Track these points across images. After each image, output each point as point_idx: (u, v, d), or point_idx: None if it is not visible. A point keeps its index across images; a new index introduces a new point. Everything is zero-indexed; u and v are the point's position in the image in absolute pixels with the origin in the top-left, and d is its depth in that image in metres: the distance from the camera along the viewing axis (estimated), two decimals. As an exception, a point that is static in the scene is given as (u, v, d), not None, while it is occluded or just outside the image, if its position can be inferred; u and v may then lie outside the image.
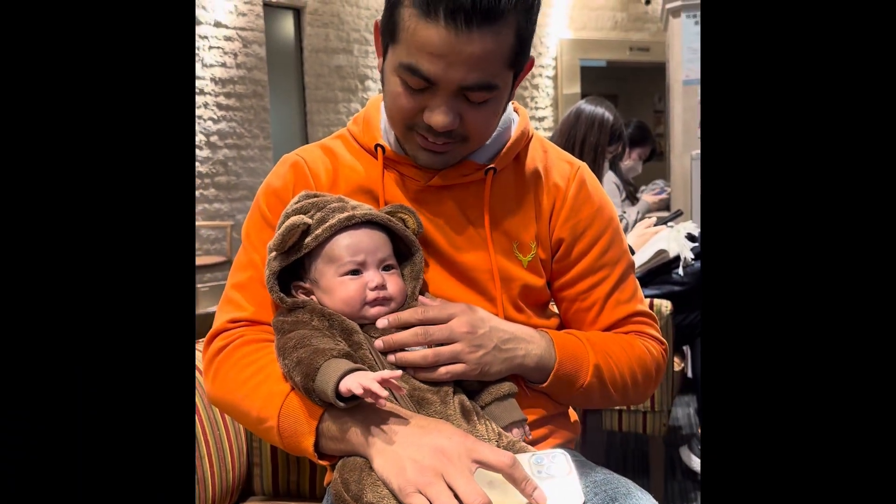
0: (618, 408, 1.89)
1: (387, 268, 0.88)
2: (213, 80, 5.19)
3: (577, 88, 7.31)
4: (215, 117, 5.24)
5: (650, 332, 1.02)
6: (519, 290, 0.96)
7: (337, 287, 0.86)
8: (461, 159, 0.94)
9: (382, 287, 0.86)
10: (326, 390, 0.77)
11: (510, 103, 0.98)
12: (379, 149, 0.95)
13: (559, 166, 1.00)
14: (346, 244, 0.86)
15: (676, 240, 2.02)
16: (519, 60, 0.85)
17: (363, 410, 0.80)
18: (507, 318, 0.95)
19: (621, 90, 8.55)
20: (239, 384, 0.88)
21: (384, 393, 0.74)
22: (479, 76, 0.82)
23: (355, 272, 0.86)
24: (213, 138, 5.24)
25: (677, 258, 2.00)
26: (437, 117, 0.84)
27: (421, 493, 0.72)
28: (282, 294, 0.87)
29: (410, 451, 0.75)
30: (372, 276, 0.86)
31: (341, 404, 0.77)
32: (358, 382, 0.75)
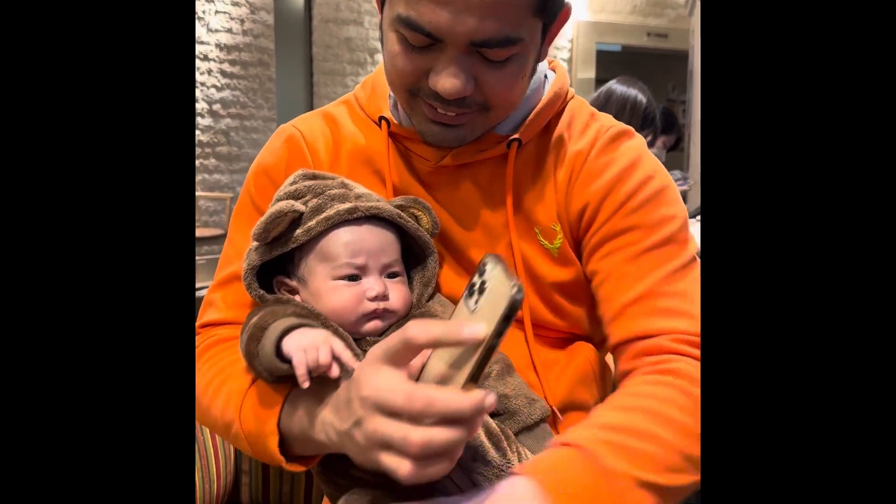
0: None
1: (391, 275, 0.72)
2: (217, 45, 5.02)
3: (592, 73, 7.11)
4: (219, 85, 5.07)
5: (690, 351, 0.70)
6: (551, 287, 0.78)
7: (329, 292, 0.70)
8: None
9: (384, 297, 0.70)
10: (269, 350, 0.62)
11: (545, 60, 0.79)
12: (383, 122, 0.78)
13: (592, 130, 0.79)
14: (346, 241, 0.70)
15: None
16: (549, 7, 0.67)
17: (325, 388, 0.63)
18: (540, 323, 0.78)
19: (635, 76, 8.34)
20: (204, 388, 0.73)
21: (335, 372, 0.60)
22: (496, 27, 0.64)
23: (353, 277, 0.70)
24: (216, 107, 5.08)
25: None
26: (445, 81, 0.66)
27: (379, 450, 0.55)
28: (262, 292, 0.72)
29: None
30: (372, 284, 0.70)
31: (284, 366, 0.62)
32: (300, 347, 0.61)
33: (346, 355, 0.61)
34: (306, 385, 0.60)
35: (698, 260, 0.75)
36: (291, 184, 0.74)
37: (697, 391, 0.64)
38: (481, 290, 0.54)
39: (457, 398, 0.51)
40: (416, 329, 0.53)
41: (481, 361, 0.51)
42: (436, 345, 0.54)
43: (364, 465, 0.58)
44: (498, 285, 0.52)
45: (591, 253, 0.76)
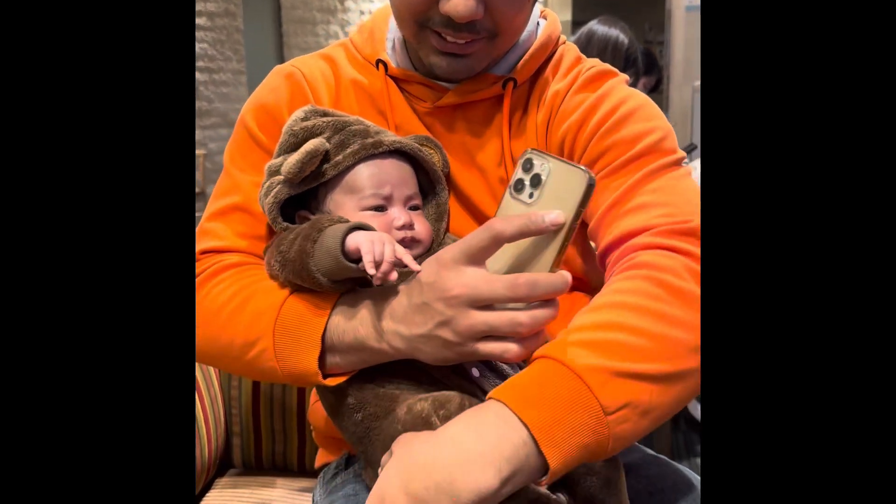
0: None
1: (413, 208, 0.75)
2: (181, -4, 4.84)
3: (568, 15, 6.97)
4: (185, 37, 4.92)
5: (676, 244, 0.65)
6: None
7: None
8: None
9: (410, 226, 0.72)
10: (333, 245, 0.64)
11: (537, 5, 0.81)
12: (381, 65, 0.80)
13: (573, 72, 0.81)
14: (371, 173, 0.73)
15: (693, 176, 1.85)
16: None
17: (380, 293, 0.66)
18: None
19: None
20: (215, 312, 0.72)
21: (393, 276, 0.62)
22: None
23: (379, 208, 0.72)
24: (183, 60, 4.93)
25: None
26: (458, 3, 0.68)
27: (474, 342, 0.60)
28: (286, 224, 0.73)
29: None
30: (398, 214, 0.73)
31: (349, 264, 0.63)
32: (368, 238, 0.63)
33: (409, 258, 0.63)
34: (372, 271, 0.61)
35: (687, 166, 0.75)
36: (304, 119, 0.74)
37: (667, 277, 0.61)
38: (535, 183, 0.58)
39: (555, 277, 0.56)
40: (501, 224, 0.57)
41: (563, 244, 0.56)
42: (521, 235, 0.57)
43: (442, 363, 0.62)
44: (562, 173, 0.57)
45: None
